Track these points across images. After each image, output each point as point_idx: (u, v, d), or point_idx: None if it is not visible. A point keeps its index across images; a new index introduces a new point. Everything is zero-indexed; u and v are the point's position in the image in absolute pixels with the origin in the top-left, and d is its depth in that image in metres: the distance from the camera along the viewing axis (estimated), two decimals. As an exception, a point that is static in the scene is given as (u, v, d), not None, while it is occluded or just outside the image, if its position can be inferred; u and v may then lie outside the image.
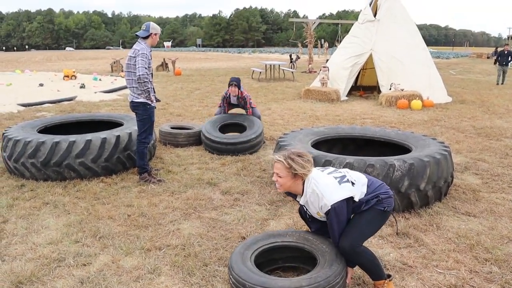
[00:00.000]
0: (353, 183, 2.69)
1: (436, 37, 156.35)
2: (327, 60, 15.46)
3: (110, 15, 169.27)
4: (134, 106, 4.89)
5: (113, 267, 3.15)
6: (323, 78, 12.43)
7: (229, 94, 6.77)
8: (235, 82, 6.64)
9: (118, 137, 5.20)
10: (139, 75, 4.64)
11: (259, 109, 10.32)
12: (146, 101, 4.83)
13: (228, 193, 4.69)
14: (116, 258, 3.28)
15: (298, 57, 26.19)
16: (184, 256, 3.31)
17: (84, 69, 26.44)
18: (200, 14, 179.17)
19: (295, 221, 3.91)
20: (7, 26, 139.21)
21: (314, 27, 23.41)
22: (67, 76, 17.90)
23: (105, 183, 4.98)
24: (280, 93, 13.67)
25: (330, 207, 2.57)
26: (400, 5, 12.52)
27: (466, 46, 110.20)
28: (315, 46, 37.42)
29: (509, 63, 16.86)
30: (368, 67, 13.42)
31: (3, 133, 5.38)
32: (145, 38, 4.81)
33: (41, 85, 15.40)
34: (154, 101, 4.96)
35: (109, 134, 5.19)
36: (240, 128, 6.76)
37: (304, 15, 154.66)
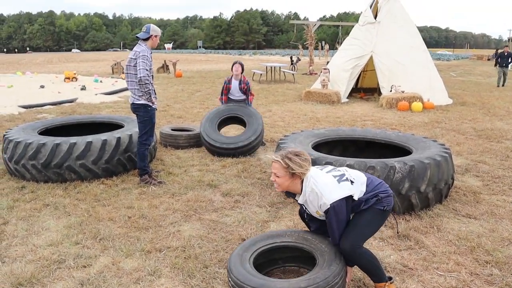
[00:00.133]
0: (352, 182, 2.68)
1: (436, 39, 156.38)
2: (327, 62, 15.48)
3: (111, 17, 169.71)
4: (135, 108, 4.90)
5: (113, 269, 3.15)
6: (323, 80, 12.44)
7: (231, 77, 6.71)
8: (239, 62, 6.72)
9: (118, 139, 5.20)
10: (140, 77, 4.65)
11: (259, 111, 10.34)
12: (147, 103, 4.84)
13: (229, 195, 4.69)
14: (116, 260, 3.28)
15: (298, 59, 26.21)
16: (185, 258, 3.30)
17: (85, 71, 26.48)
18: (201, 16, 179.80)
19: (296, 223, 3.90)
20: (8, 28, 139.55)
21: (315, 29, 23.43)
22: (68, 78, 17.93)
23: (106, 185, 4.98)
24: (280, 95, 13.68)
25: (329, 206, 2.56)
26: (401, 7, 12.53)
27: (467, 48, 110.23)
28: (316, 48, 37.42)
29: (509, 65, 16.83)
30: (368, 69, 13.43)
31: (4, 135, 5.38)
32: (146, 40, 4.83)
33: (42, 87, 15.43)
34: (155, 103, 4.96)
35: (110, 136, 5.19)
36: (239, 120, 6.61)
37: (305, 17, 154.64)
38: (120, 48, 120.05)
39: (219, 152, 6.11)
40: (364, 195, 2.68)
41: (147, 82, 4.69)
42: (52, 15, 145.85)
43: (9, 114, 10.10)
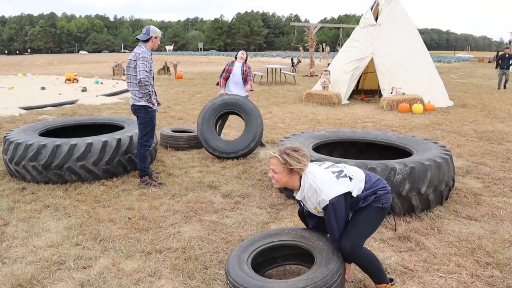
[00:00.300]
0: (350, 178, 2.66)
1: (437, 41, 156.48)
2: (328, 64, 15.49)
3: (112, 19, 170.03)
4: (136, 109, 4.90)
5: (113, 270, 3.15)
6: (324, 82, 12.44)
7: (234, 61, 6.81)
8: (245, 49, 6.93)
9: (119, 140, 5.21)
10: (140, 78, 4.66)
11: (260, 112, 10.34)
12: (148, 104, 4.84)
13: (229, 196, 4.68)
14: (117, 261, 3.28)
15: (299, 61, 26.23)
16: (185, 259, 3.30)
17: (86, 72, 26.52)
18: (201, 18, 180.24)
19: (296, 224, 3.90)
20: (9, 30, 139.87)
21: (316, 31, 23.44)
22: (69, 80, 17.96)
23: (106, 186, 4.98)
24: (281, 97, 13.69)
25: (328, 202, 2.55)
26: (401, 9, 12.54)
27: (468, 50, 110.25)
28: (317, 50, 37.50)
29: (511, 67, 16.79)
30: (369, 71, 13.44)
31: (5, 136, 5.39)
32: (146, 41, 4.83)
33: (43, 88, 15.45)
34: (156, 104, 4.97)
35: (110, 137, 5.19)
36: (237, 113, 6.39)
37: (306, 19, 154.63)
38: (122, 49, 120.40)
39: (218, 156, 6.10)
40: (362, 192, 2.67)
41: (146, 83, 4.69)
42: (53, 16, 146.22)
43: (10, 115, 10.11)
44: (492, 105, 11.83)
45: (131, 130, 5.57)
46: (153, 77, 4.93)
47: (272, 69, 20.07)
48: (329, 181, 2.60)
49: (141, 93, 4.76)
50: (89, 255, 3.36)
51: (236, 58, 6.88)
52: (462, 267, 3.18)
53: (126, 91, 14.35)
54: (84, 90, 14.82)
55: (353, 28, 14.03)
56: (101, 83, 17.87)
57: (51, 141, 4.98)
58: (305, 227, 3.10)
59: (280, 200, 4.54)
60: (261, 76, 19.09)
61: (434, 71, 12.43)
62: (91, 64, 40.74)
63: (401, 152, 4.93)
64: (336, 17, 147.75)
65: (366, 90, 14.05)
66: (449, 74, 24.61)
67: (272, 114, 10.26)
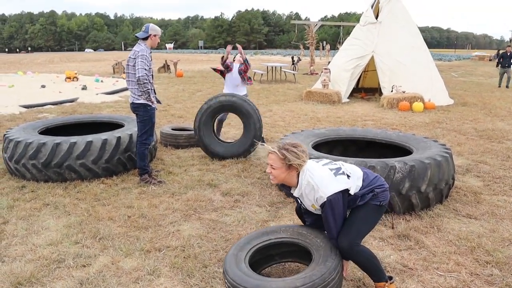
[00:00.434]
0: (348, 176, 2.66)
1: (438, 39, 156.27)
2: (328, 62, 15.47)
3: (112, 17, 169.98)
4: (135, 107, 4.90)
5: (112, 268, 3.15)
6: (324, 80, 12.43)
7: (233, 62, 6.77)
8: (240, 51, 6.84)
9: (119, 138, 5.20)
10: (139, 76, 4.65)
11: (260, 111, 10.32)
12: (147, 102, 4.84)
13: (229, 194, 4.68)
14: (116, 259, 3.28)
15: (299, 59, 26.21)
16: (184, 257, 3.30)
17: (86, 70, 26.50)
18: (202, 16, 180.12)
19: (295, 222, 3.88)
20: (9, 28, 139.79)
21: (316, 29, 23.41)
22: (69, 78, 17.95)
23: (106, 184, 4.98)
24: (281, 95, 13.68)
25: (325, 200, 2.54)
26: (402, 7, 12.51)
27: (468, 48, 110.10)
28: (317, 48, 37.45)
29: None
30: (369, 69, 13.42)
31: (4, 134, 5.39)
32: (145, 39, 4.83)
33: (43, 86, 15.44)
34: (155, 102, 4.96)
35: (110, 136, 5.19)
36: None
37: (306, 17, 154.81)
38: (122, 48, 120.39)
39: (219, 156, 6.05)
40: (360, 190, 2.66)
41: (145, 81, 4.69)
42: (53, 15, 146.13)
43: (10, 113, 10.11)
44: (492, 103, 11.82)
45: (131, 128, 5.57)
46: (152, 75, 4.92)
47: (272, 67, 20.06)
48: (327, 178, 2.59)
49: (140, 91, 4.76)
50: (88, 253, 3.36)
51: (234, 59, 6.81)
52: (461, 265, 3.17)
53: (126, 89, 14.33)
54: (84, 88, 14.82)
55: (354, 26, 14.00)
56: (101, 81, 17.87)
57: (51, 139, 4.98)
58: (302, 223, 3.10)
59: (279, 198, 4.54)
60: (261, 74, 19.07)
61: (435, 69, 12.41)
62: (91, 62, 40.71)
63: (401, 151, 4.92)
64: (336, 15, 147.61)
65: (366, 88, 14.03)
66: (450, 72, 24.58)
67: (272, 112, 10.25)
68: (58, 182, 5.00)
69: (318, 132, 5.38)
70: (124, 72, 18.76)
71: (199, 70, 27.14)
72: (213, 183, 5.02)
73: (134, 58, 4.73)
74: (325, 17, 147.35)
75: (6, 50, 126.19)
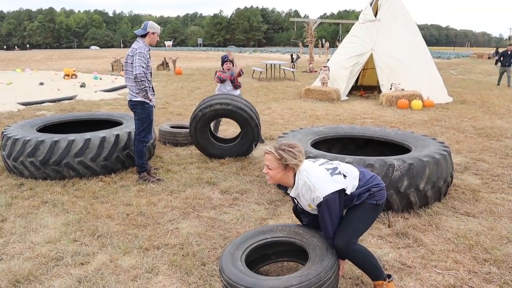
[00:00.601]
0: (345, 176, 2.65)
1: (437, 37, 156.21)
2: (327, 60, 15.45)
3: (111, 14, 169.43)
4: (133, 105, 4.89)
5: (111, 266, 3.15)
6: (323, 77, 12.42)
7: (223, 71, 6.69)
8: (228, 58, 6.72)
9: (117, 136, 5.19)
10: (136, 74, 4.64)
11: (259, 109, 10.31)
12: (144, 100, 4.83)
13: (227, 192, 4.68)
14: (114, 257, 3.28)
15: (298, 57, 26.20)
16: (182, 255, 3.30)
17: (85, 68, 26.45)
18: (201, 14, 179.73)
19: (294, 220, 3.88)
20: (8, 25, 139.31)
21: (315, 26, 23.40)
22: (68, 75, 17.91)
23: (104, 182, 4.97)
24: (280, 93, 13.67)
25: (322, 199, 2.54)
26: (401, 4, 12.50)
27: (467, 46, 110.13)
28: (316, 46, 37.41)
29: None
30: (368, 67, 13.41)
31: (3, 132, 5.37)
32: (143, 36, 4.81)
33: (41, 84, 15.41)
34: (153, 100, 4.95)
35: (109, 133, 5.18)
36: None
37: (305, 14, 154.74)
38: (121, 45, 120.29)
39: (218, 156, 6.02)
40: (356, 189, 2.66)
41: (143, 79, 4.68)
42: (52, 12, 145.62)
43: (8, 111, 10.08)
44: (491, 101, 11.82)
45: (130, 126, 5.56)
46: (150, 72, 4.91)
47: (271, 65, 20.05)
48: (323, 178, 2.58)
49: (138, 88, 4.75)
50: (86, 251, 3.36)
51: (222, 66, 6.70)
52: (459, 263, 3.18)
53: (125, 86, 14.23)
54: (82, 85, 14.79)
55: (353, 24, 13.98)
56: (100, 78, 17.83)
57: (49, 137, 4.96)
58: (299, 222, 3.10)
59: (278, 196, 4.54)
60: (260, 72, 19.05)
61: (433, 67, 12.41)
62: (90, 59, 40.63)
63: (399, 148, 4.92)
64: (335, 12, 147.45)
65: (365, 86, 14.02)
66: (449, 70, 24.58)
67: (271, 110, 10.24)
68: (57, 180, 4.99)
69: (317, 130, 5.38)
70: (122, 70, 18.74)
71: (198, 67, 27.10)
72: (211, 181, 5.01)
73: (132, 56, 4.72)
74: (324, 14, 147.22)
75: (5, 47, 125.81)
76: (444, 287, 2.90)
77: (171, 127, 7.05)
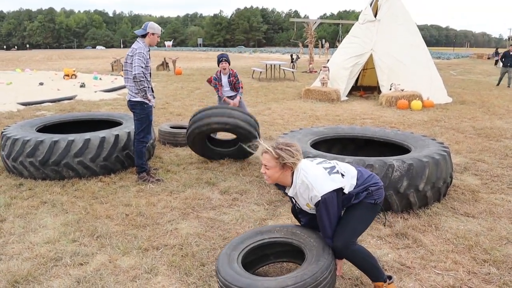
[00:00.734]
0: (342, 175, 2.65)
1: (437, 37, 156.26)
2: (327, 60, 15.45)
3: (111, 15, 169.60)
4: (132, 105, 4.89)
5: (110, 267, 3.14)
6: (323, 78, 12.42)
7: (220, 73, 6.60)
8: (225, 58, 6.57)
9: (117, 136, 5.19)
10: (135, 74, 4.64)
11: (259, 109, 10.31)
12: (144, 100, 4.82)
13: (227, 192, 4.68)
14: (113, 257, 3.27)
15: (298, 57, 26.20)
16: (182, 256, 3.30)
17: (85, 68, 26.45)
18: (201, 14, 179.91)
19: (294, 221, 3.87)
20: (8, 25, 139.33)
21: (315, 27, 23.40)
22: (67, 75, 17.91)
23: (104, 183, 4.97)
24: (280, 93, 13.66)
25: (320, 198, 2.53)
26: (401, 5, 12.50)
27: (467, 46, 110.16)
28: (316, 46, 37.42)
29: None
30: (368, 67, 13.41)
31: (2, 132, 5.37)
32: (143, 37, 4.81)
33: (41, 84, 15.40)
34: (152, 100, 4.95)
35: (108, 133, 5.18)
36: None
37: (305, 15, 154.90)
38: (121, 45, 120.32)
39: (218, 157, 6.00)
40: (354, 188, 2.65)
41: (142, 79, 4.67)
42: (52, 12, 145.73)
43: (7, 111, 10.08)
44: (491, 101, 11.82)
45: (129, 126, 5.55)
46: (150, 73, 4.91)
47: (271, 65, 20.05)
48: (321, 177, 2.58)
49: (137, 89, 4.74)
50: (85, 251, 3.36)
51: (219, 68, 6.61)
52: (459, 264, 3.18)
53: (125, 87, 14.25)
54: (82, 85, 14.78)
55: (353, 24, 13.99)
56: (100, 78, 17.82)
57: (49, 137, 4.96)
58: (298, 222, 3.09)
59: (278, 197, 4.54)
60: (260, 72, 19.06)
61: (433, 68, 12.41)
62: (90, 59, 40.63)
63: (399, 149, 4.92)
64: (335, 13, 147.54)
65: (365, 87, 14.03)
66: (448, 70, 24.59)
67: (271, 111, 10.24)
68: (56, 180, 4.98)
69: (316, 130, 5.37)
70: (122, 70, 18.75)
71: (198, 67, 27.10)
72: (211, 181, 5.01)
73: (132, 56, 4.72)
74: (324, 15, 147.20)
75: (5, 47, 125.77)
76: (443, 287, 2.89)
77: (170, 127, 7.04)
